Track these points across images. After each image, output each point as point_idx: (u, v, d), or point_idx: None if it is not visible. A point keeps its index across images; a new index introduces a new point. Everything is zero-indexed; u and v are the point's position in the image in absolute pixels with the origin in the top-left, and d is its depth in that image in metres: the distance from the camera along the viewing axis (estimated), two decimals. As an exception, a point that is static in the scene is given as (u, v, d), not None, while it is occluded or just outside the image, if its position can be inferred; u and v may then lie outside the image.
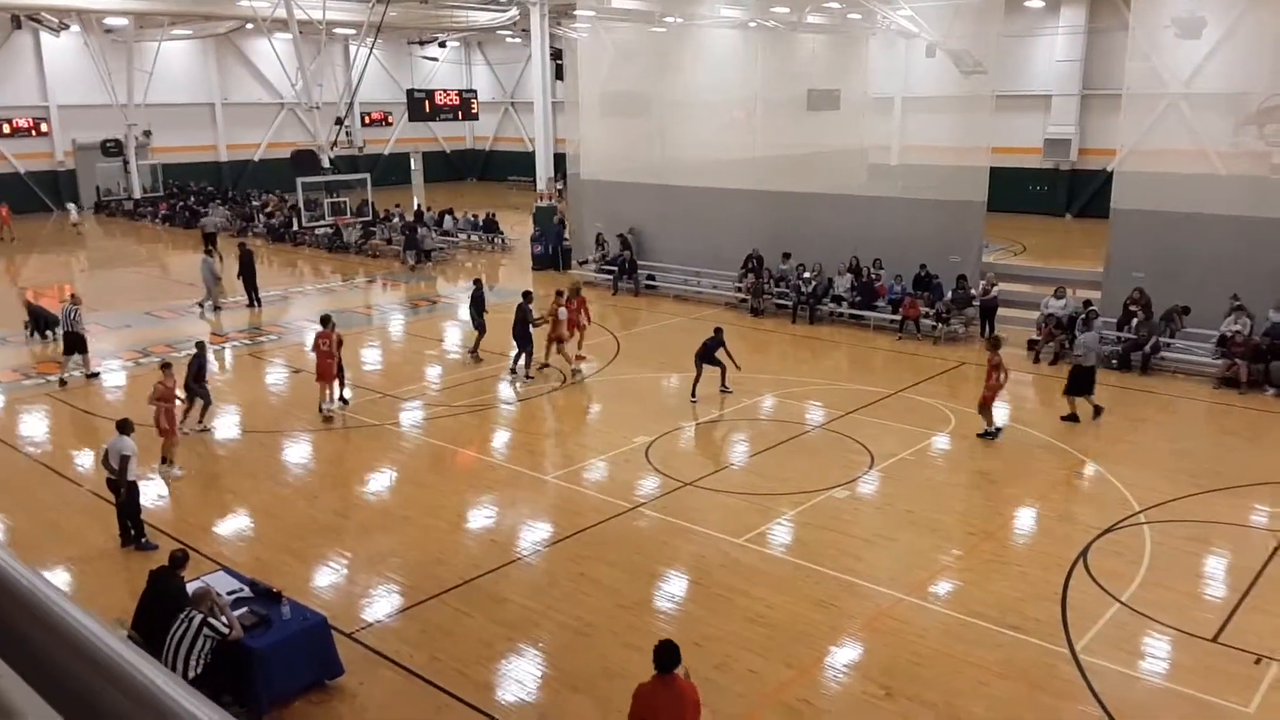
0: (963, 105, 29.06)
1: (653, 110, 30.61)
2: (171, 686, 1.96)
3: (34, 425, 16.47)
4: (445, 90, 42.63)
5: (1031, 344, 19.82)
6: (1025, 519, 12.53)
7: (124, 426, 11.52)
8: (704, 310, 24.25)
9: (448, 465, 14.57)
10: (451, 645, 9.43)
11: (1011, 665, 8.93)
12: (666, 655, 6.64)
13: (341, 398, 16.92)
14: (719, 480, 13.57)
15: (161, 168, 46.23)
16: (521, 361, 18.70)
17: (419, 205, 41.16)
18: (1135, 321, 18.92)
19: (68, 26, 40.67)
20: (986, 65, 27.98)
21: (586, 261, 28.46)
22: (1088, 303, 19.60)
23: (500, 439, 15.95)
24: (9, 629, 2.22)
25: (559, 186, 32.08)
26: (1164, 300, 18.92)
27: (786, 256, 23.94)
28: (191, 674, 7.77)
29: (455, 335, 22.77)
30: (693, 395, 16.88)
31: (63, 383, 18.32)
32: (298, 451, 15.19)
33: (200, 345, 15.99)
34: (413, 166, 57.71)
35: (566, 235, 30.71)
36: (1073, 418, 15.73)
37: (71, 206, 40.92)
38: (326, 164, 31.13)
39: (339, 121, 30.55)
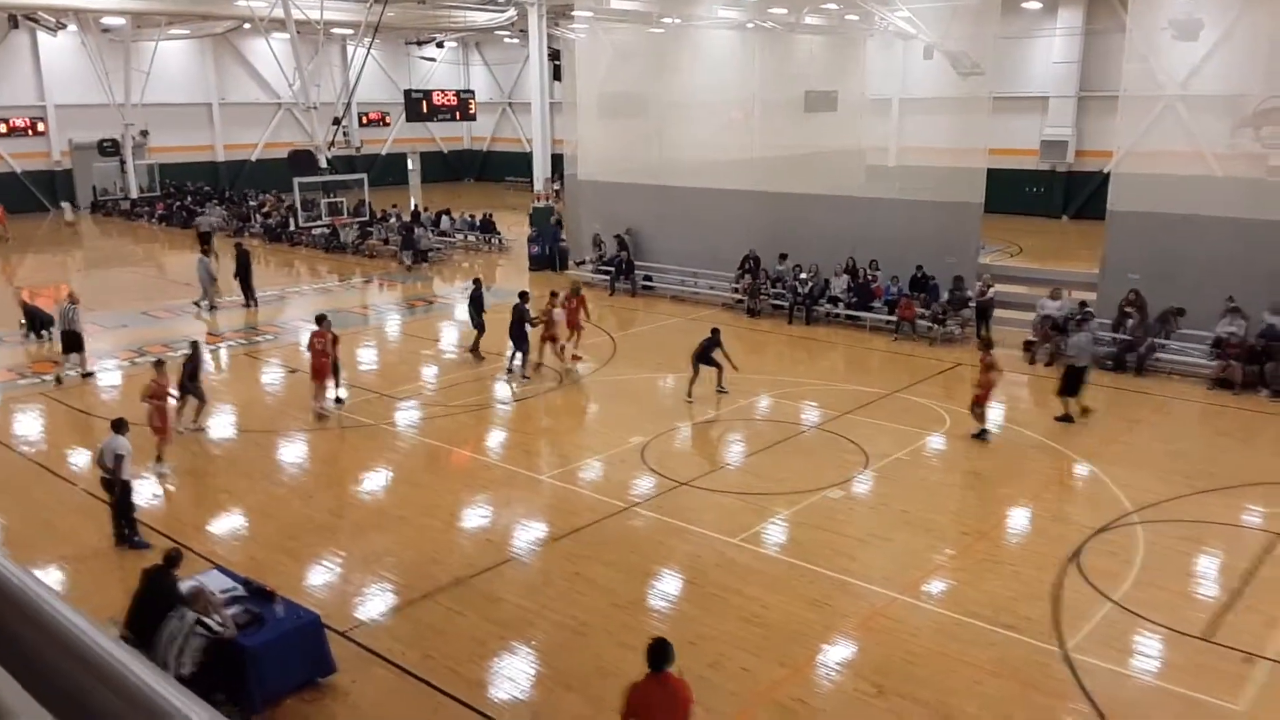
0: (960, 107, 29.07)
1: (650, 111, 30.62)
2: (162, 685, 1.96)
3: (29, 424, 16.45)
4: (443, 91, 42.60)
5: (1028, 345, 19.84)
6: (1019, 519, 12.55)
7: (119, 426, 11.52)
8: (701, 311, 24.27)
9: (443, 465, 14.58)
10: (445, 644, 9.44)
11: (1004, 664, 8.95)
12: (659, 653, 6.66)
13: (337, 398, 16.93)
14: (714, 480, 13.58)
15: (159, 167, 46.21)
16: (518, 361, 18.75)
17: (416, 205, 41.16)
18: (1130, 323, 18.95)
19: (65, 26, 40.63)
20: (984, 67, 28.03)
21: (583, 262, 28.47)
22: (1084, 304, 19.64)
23: (496, 439, 15.96)
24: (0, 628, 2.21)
25: (555, 187, 32.09)
26: (1159, 302, 18.95)
27: (783, 257, 23.96)
28: (184, 672, 7.78)
29: (452, 335, 22.78)
30: (689, 395, 16.90)
31: (59, 381, 18.33)
32: (293, 451, 15.19)
33: (194, 345, 16.00)
34: (410, 167, 57.71)
35: (563, 236, 30.73)
36: (1066, 418, 15.76)
37: (66, 205, 40.87)
38: (324, 164, 31.12)
39: (336, 121, 30.53)
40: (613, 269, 27.17)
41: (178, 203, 42.86)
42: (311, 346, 16.38)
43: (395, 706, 8.60)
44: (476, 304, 19.92)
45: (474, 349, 19.90)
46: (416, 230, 32.91)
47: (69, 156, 45.25)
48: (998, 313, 20.97)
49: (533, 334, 18.66)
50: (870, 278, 22.75)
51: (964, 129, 27.55)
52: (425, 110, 40.27)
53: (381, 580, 10.76)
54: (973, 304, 21.01)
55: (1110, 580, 10.41)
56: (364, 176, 31.94)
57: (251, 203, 41.72)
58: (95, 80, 41.91)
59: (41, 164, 44.59)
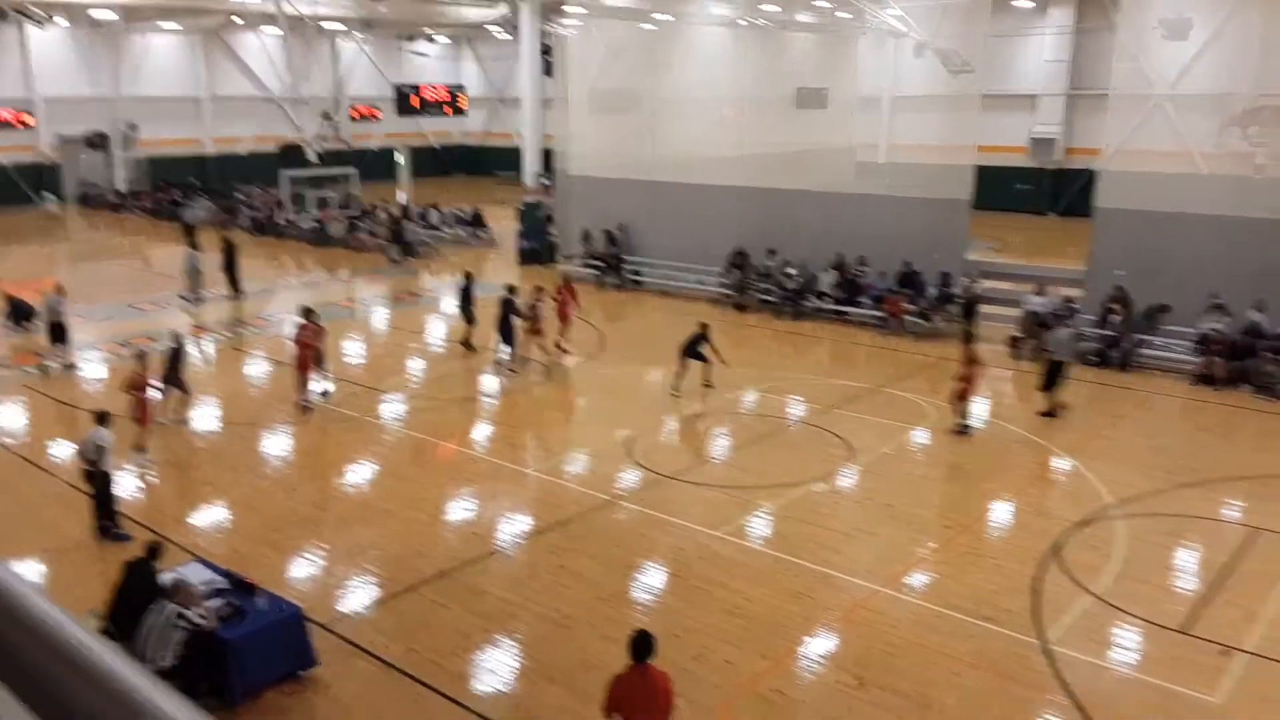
0: (950, 104, 29.20)
1: (642, 107, 30.62)
2: (140, 679, 1.96)
3: (10, 416, 16.37)
4: (433, 85, 42.53)
5: (1013, 341, 19.91)
6: (1001, 512, 12.61)
7: (102, 418, 11.48)
8: (689, 305, 24.25)
9: (429, 458, 14.57)
10: (428, 637, 9.44)
11: (983, 656, 9.00)
12: (642, 646, 6.68)
13: (324, 390, 16.89)
14: (700, 474, 13.62)
15: (148, 161, 46.01)
16: (505, 354, 18.76)
17: (405, 200, 41.08)
18: (1116, 319, 19.02)
19: (53, 19, 40.44)
20: (974, 65, 28.14)
21: (572, 256, 28.45)
22: (1069, 300, 19.72)
23: (482, 432, 15.96)
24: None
25: (545, 182, 32.08)
26: (1145, 298, 19.03)
27: (772, 253, 23.98)
28: (165, 665, 7.77)
29: (439, 329, 22.76)
30: (675, 389, 16.92)
31: (44, 371, 18.36)
32: (277, 444, 15.16)
33: (177, 337, 15.95)
34: (399, 161, 57.56)
35: (553, 230, 30.70)
36: (1050, 413, 15.82)
37: (49, 197, 40.60)
38: (313, 158, 31.12)
39: (326, 116, 30.54)
40: (602, 264, 27.17)
41: (166, 197, 42.67)
42: (298, 339, 16.35)
43: (377, 699, 8.60)
44: (466, 297, 19.96)
45: (465, 342, 19.92)
46: (405, 224, 32.84)
47: (57, 150, 45.00)
48: (984, 308, 21.03)
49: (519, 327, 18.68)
50: (858, 274, 22.79)
51: (954, 126, 27.69)
52: (416, 105, 40.26)
53: (365, 573, 10.75)
54: (960, 300, 21.06)
55: (1090, 574, 10.47)
56: (354, 170, 31.94)
57: (239, 196, 41.55)
58: (84, 73, 41.72)
59: (29, 157, 44.36)
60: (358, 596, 10.26)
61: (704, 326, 17.19)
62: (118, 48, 42.42)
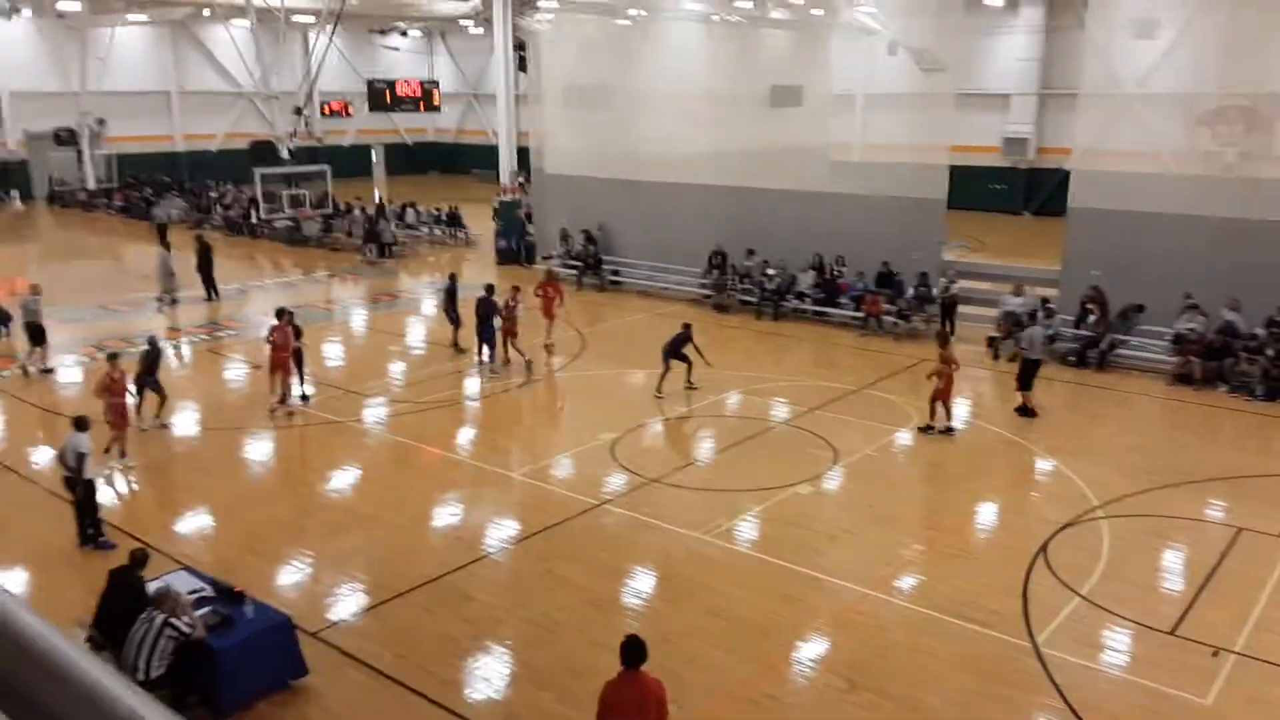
0: (923, 103, 29.26)
1: (617, 104, 30.50)
2: (123, 691, 1.93)
3: (-14, 421, 16.13)
4: (407, 80, 42.16)
5: (991, 341, 20.06)
6: (986, 514, 12.71)
7: (80, 424, 11.29)
8: (669, 306, 24.26)
9: (412, 462, 14.47)
10: (417, 644, 9.39)
11: (973, 658, 9.06)
12: (634, 651, 6.66)
13: (303, 394, 16.73)
14: (685, 476, 13.62)
15: (117, 157, 45.38)
16: (485, 355, 18.69)
17: (380, 198, 40.78)
18: (1092, 319, 19.22)
19: (19, 10, 39.77)
20: (946, 63, 28.24)
21: (550, 256, 28.36)
22: (1045, 300, 19.90)
23: (465, 435, 15.88)
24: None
25: (521, 180, 31.94)
26: (1120, 298, 19.24)
27: (751, 253, 24.03)
28: (153, 674, 7.68)
29: (419, 331, 22.62)
30: (659, 391, 16.90)
31: (24, 371, 18.14)
32: (259, 449, 15.00)
33: (152, 340, 15.74)
34: (374, 159, 57.16)
35: (530, 230, 30.59)
36: (1029, 412, 15.96)
37: (15, 194, 39.95)
38: (286, 155, 30.78)
39: (298, 111, 30.20)
40: (580, 264, 27.10)
41: (137, 194, 42.11)
42: (271, 340, 16.16)
43: (368, 707, 8.54)
44: (451, 298, 19.92)
45: (455, 344, 19.87)
46: (380, 223, 32.59)
47: (24, 146, 44.27)
48: (962, 309, 21.19)
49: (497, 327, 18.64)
50: (836, 274, 22.88)
51: (927, 125, 27.75)
52: (389, 100, 39.91)
53: (352, 580, 10.67)
54: (937, 300, 21.19)
55: (1077, 575, 10.57)
56: (327, 168, 31.64)
57: (212, 194, 41.10)
58: (50, 67, 41.04)
59: (-5, 153, 43.67)
60: (345, 604, 10.18)
61: (687, 327, 17.21)
62: (84, 40, 41.73)
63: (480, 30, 49.49)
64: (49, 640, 2.11)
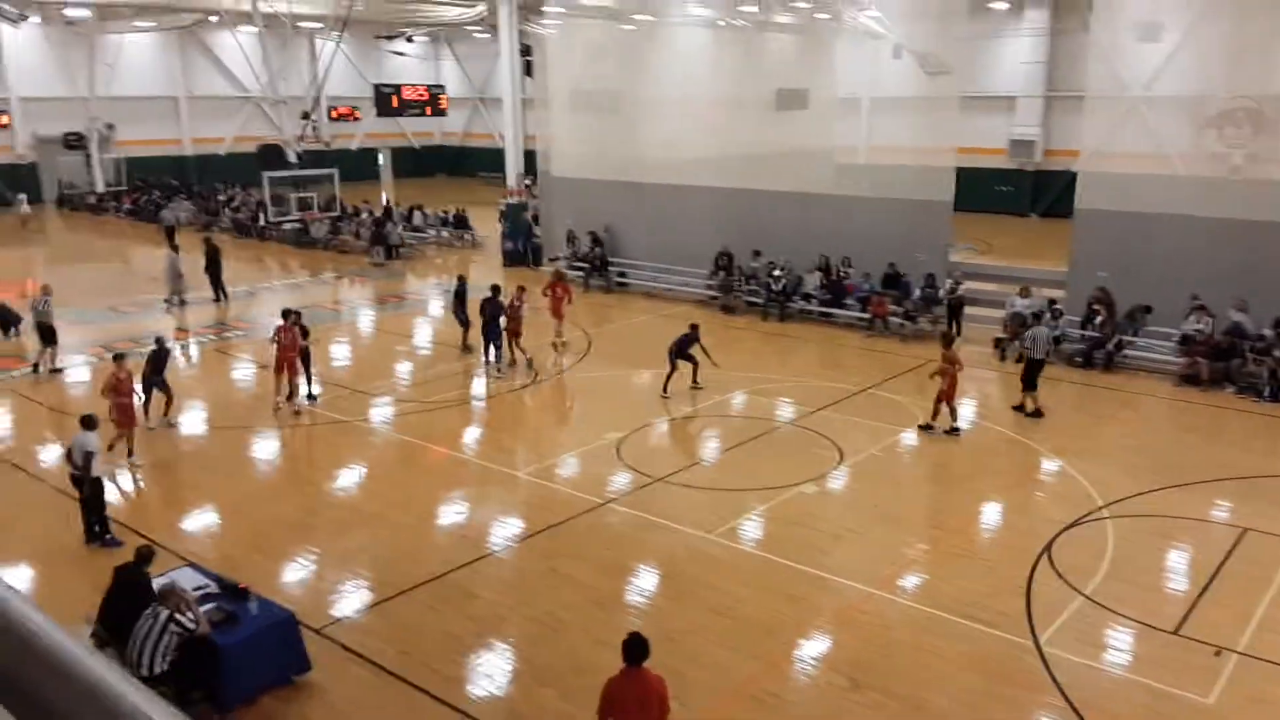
0: (929, 106, 29.23)
1: (623, 108, 30.55)
2: (127, 687, 1.95)
3: (-4, 421, 16.22)
4: (413, 85, 42.29)
5: (997, 342, 20.03)
6: (991, 514, 12.69)
7: (88, 422, 11.37)
8: (675, 307, 24.29)
9: (418, 461, 14.51)
10: (421, 641, 9.41)
11: (977, 657, 9.05)
12: (636, 648, 6.67)
13: (310, 394, 16.79)
14: (690, 476, 13.62)
15: (125, 161, 45.59)
16: (492, 355, 18.76)
17: (387, 201, 40.89)
18: (1099, 320, 19.19)
19: (27, 17, 39.96)
20: (951, 66, 28.23)
21: (557, 258, 28.41)
22: (1053, 301, 19.87)
23: (471, 435, 15.92)
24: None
25: (528, 183, 32.01)
26: (1127, 299, 19.21)
27: (757, 254, 24.05)
28: (158, 670, 7.71)
29: (426, 331, 22.67)
30: (664, 391, 16.92)
31: (36, 370, 18.28)
32: (266, 448, 15.06)
33: (159, 340, 15.81)
34: (381, 162, 57.29)
35: (537, 232, 30.65)
36: (1033, 412, 15.94)
37: (23, 198, 40.12)
38: (294, 158, 30.85)
39: (306, 116, 30.26)
40: (587, 265, 27.15)
41: (146, 197, 42.29)
42: (277, 340, 16.22)
43: (371, 703, 8.56)
44: (460, 299, 20.04)
45: (465, 345, 19.95)
46: (388, 226, 32.71)
47: (34, 150, 44.51)
48: (969, 310, 21.16)
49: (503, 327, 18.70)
50: (842, 275, 22.88)
51: (932, 128, 27.72)
52: (395, 105, 39.99)
53: (357, 577, 10.70)
54: (944, 301, 21.17)
55: (1081, 575, 10.54)
56: (334, 171, 31.72)
57: (220, 197, 41.26)
58: (59, 73, 41.29)
59: (5, 158, 43.84)
60: (350, 601, 10.21)
61: (694, 327, 17.23)
62: (92, 47, 41.96)
63: (487, 35, 49.62)
64: (53, 637, 2.13)
